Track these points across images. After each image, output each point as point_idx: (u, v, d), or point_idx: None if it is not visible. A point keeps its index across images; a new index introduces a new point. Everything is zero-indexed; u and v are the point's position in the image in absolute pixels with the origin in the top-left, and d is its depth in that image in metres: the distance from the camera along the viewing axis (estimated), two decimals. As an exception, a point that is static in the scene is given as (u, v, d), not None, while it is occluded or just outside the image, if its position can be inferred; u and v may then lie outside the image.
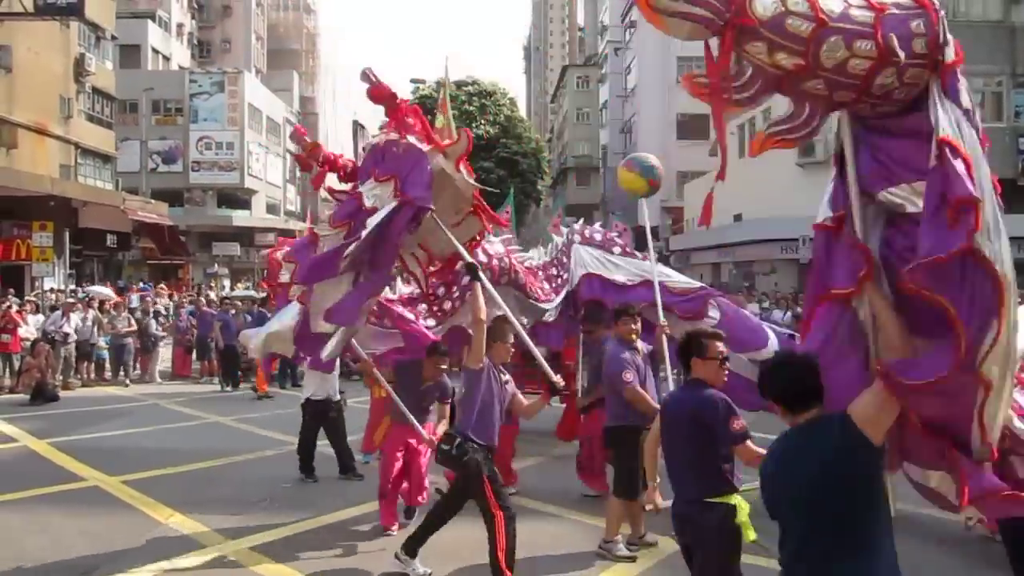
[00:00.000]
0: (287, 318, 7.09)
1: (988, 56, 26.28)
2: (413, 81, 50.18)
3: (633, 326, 6.66)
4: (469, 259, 6.18)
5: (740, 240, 31.72)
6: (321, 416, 8.93)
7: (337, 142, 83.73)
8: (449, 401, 7.03)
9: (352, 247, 5.51)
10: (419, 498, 7.14)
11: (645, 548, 6.54)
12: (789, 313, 20.18)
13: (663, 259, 41.62)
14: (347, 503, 7.97)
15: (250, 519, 7.46)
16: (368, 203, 5.68)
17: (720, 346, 4.28)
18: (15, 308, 16.50)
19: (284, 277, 6.91)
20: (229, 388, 16.76)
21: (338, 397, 9.12)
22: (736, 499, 4.09)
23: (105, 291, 23.38)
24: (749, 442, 4.12)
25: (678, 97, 46.83)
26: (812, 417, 3.08)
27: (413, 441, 7.02)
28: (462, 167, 6.10)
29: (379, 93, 6.01)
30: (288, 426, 10.06)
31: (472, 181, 6.26)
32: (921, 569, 5.63)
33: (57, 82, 28.58)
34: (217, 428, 12.56)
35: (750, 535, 4.10)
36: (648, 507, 4.88)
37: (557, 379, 5.90)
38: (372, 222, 5.49)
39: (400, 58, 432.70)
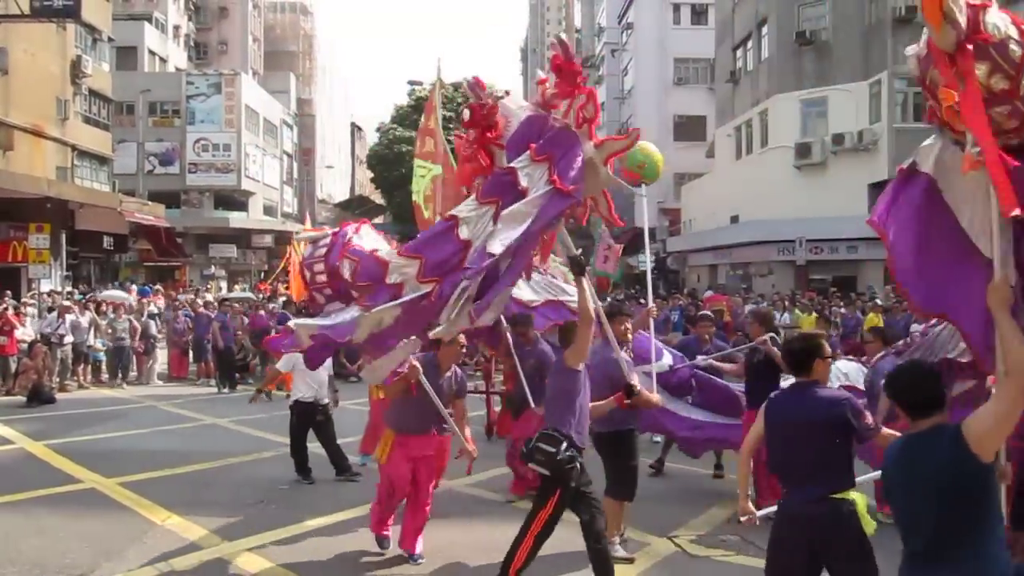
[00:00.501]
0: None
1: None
2: (410, 83, 50.29)
3: (627, 325, 6.72)
4: (575, 253, 5.74)
5: (737, 242, 31.75)
6: (308, 418, 8.90)
7: (335, 144, 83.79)
8: (465, 397, 6.99)
9: (518, 235, 5.07)
10: (416, 541, 6.51)
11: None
12: (787, 315, 20.22)
13: (660, 261, 41.73)
14: (343, 505, 7.96)
15: (247, 521, 7.46)
16: (523, 183, 5.17)
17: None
18: (11, 310, 16.48)
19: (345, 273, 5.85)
20: (226, 390, 16.75)
21: (326, 400, 9.08)
22: (855, 493, 4.13)
23: (120, 294, 23.43)
24: (884, 428, 4.42)
25: (675, 99, 46.92)
26: (932, 425, 3.27)
27: (428, 452, 6.48)
28: (608, 164, 5.65)
29: (567, 67, 5.71)
30: (285, 428, 10.01)
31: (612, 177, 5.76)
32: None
33: (53, 84, 28.56)
34: (214, 430, 12.56)
35: (871, 525, 4.12)
36: (744, 518, 4.65)
37: (634, 382, 5.86)
38: (541, 214, 5.15)
39: (397, 60, 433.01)
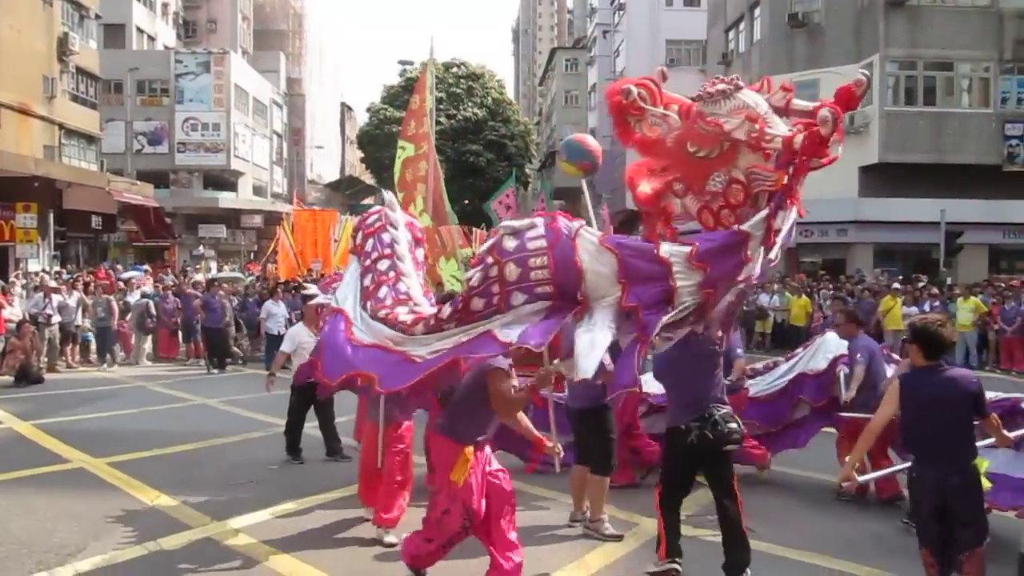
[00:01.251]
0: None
1: (976, 42, 26.36)
2: (401, 63, 50.14)
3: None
4: None
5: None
6: (309, 397, 8.71)
7: (325, 124, 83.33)
8: None
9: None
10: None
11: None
12: (776, 297, 20.32)
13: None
14: (333, 485, 7.98)
15: (236, 501, 7.46)
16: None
17: None
18: (-1, 290, 16.40)
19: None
20: (216, 371, 16.73)
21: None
22: (977, 459, 4.82)
23: (138, 273, 23.36)
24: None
25: (667, 81, 46.73)
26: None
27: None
28: None
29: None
30: (275, 408, 10.05)
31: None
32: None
33: (40, 61, 28.28)
34: (203, 410, 12.54)
35: (987, 485, 4.90)
36: (846, 484, 5.09)
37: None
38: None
39: (388, 39, 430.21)
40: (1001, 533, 5.97)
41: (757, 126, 4.56)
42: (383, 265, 6.14)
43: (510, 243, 4.88)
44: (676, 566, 5.65)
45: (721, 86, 4.88)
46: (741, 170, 4.66)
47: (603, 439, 6.58)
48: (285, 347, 9.11)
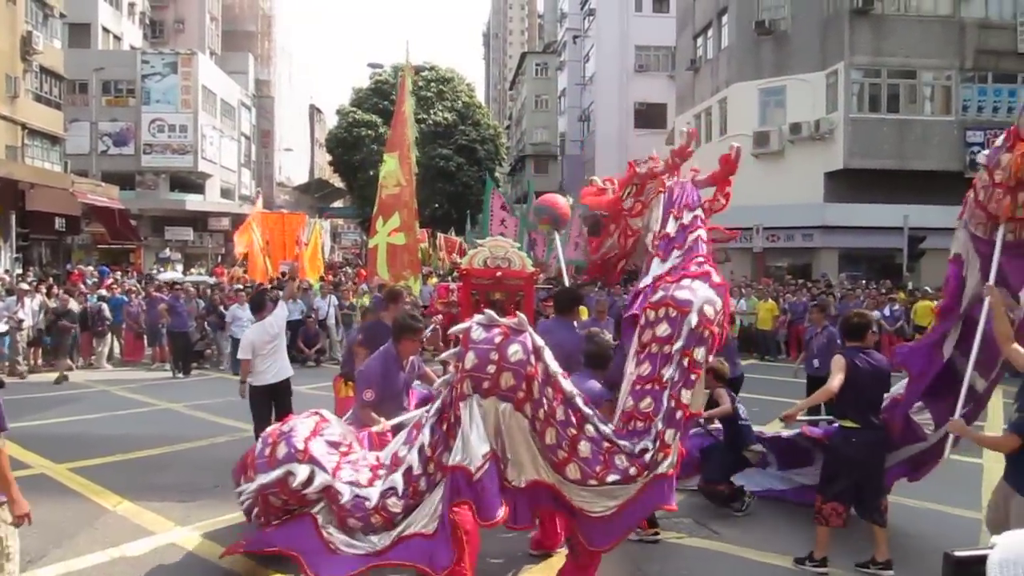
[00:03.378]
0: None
1: (937, 50, 26.84)
2: (371, 66, 49.92)
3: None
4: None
5: (696, 229, 31.97)
6: (269, 396, 8.50)
7: (294, 126, 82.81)
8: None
9: None
10: None
11: None
12: (743, 301, 20.49)
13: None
14: (300, 489, 7.90)
15: (201, 505, 7.41)
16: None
17: None
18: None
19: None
20: (180, 375, 16.55)
21: (289, 374, 8.78)
22: None
23: (174, 275, 22.96)
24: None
25: (636, 86, 47.15)
26: None
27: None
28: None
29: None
30: (241, 412, 9.93)
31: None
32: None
33: (3, 60, 27.83)
34: (168, 415, 12.41)
35: None
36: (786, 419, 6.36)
37: None
38: None
39: (358, 41, 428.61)
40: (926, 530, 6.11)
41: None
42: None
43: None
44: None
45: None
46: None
47: None
48: (244, 355, 8.60)
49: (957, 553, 3.02)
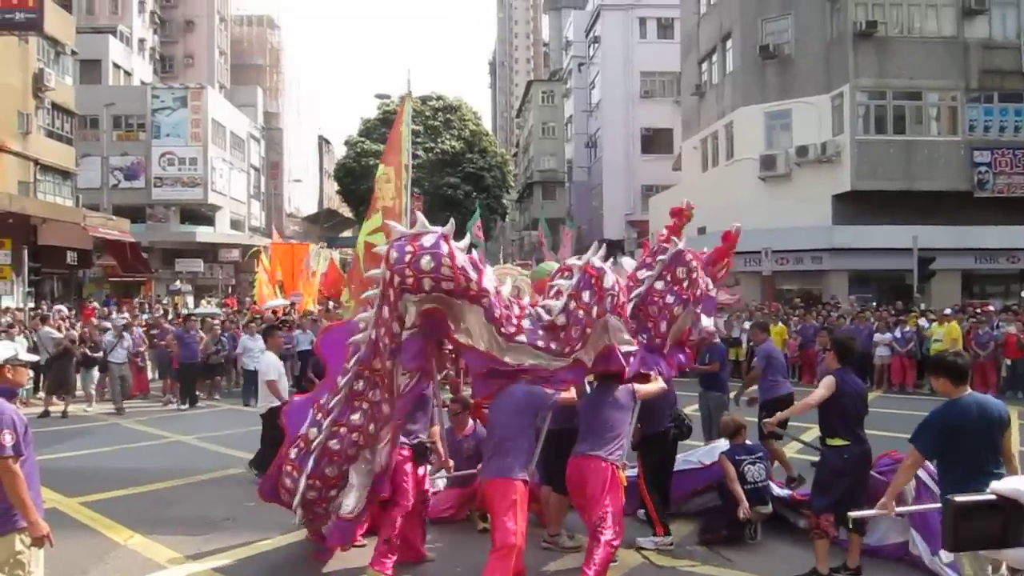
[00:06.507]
0: None
1: (942, 71, 26.90)
2: (378, 96, 50.17)
3: None
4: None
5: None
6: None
7: (303, 157, 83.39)
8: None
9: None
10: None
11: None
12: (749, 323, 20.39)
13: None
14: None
15: (212, 539, 7.38)
16: None
17: None
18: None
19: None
20: (186, 407, 16.51)
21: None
22: None
23: (212, 310, 23.05)
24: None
25: (642, 111, 47.36)
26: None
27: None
28: None
29: None
30: (254, 443, 9.94)
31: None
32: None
33: (15, 97, 28.19)
34: (179, 447, 12.40)
35: None
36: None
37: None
38: None
39: (365, 74, 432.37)
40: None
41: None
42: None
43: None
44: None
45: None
46: None
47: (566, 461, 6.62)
48: (272, 375, 9.20)
49: (958, 499, 3.09)
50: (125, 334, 16.61)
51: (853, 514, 5.53)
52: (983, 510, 3.07)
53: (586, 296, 5.90)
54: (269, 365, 9.44)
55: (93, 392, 17.11)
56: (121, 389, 16.22)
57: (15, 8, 23.60)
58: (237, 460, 10.80)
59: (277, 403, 8.85)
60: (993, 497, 3.14)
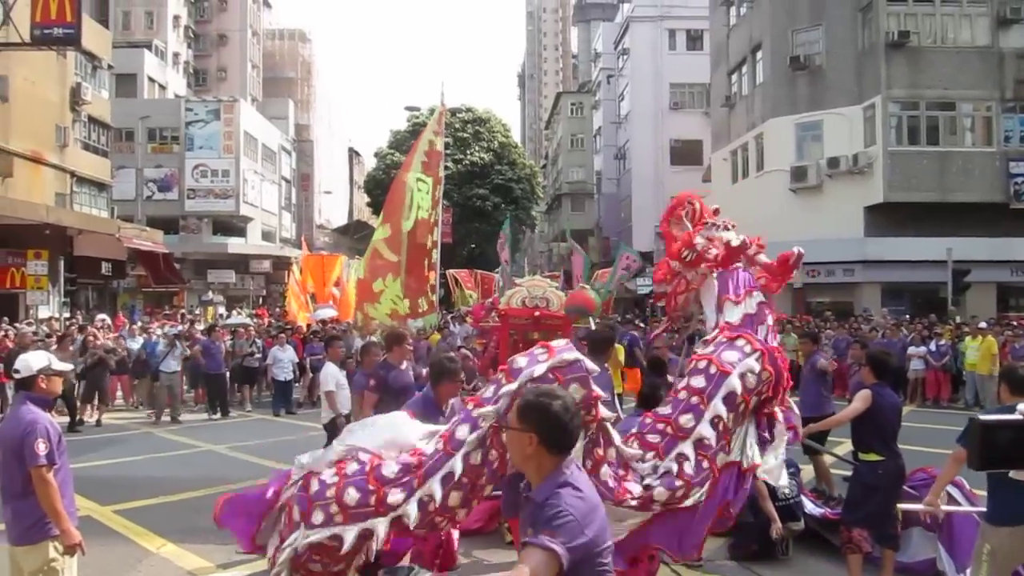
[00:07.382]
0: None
1: (977, 81, 26.57)
2: (408, 109, 50.49)
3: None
4: None
5: (734, 265, 31.75)
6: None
7: (333, 169, 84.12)
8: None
9: None
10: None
11: None
12: (783, 337, 20.18)
13: (658, 284, 41.72)
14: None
15: (243, 548, 7.40)
16: None
17: None
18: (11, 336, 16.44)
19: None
20: (217, 416, 16.67)
21: (347, 410, 9.13)
22: None
23: (242, 319, 23.27)
24: None
25: (671, 123, 47.23)
26: None
27: None
28: None
29: None
30: (284, 454, 10.00)
31: None
32: None
33: (53, 111, 28.71)
34: (211, 456, 12.51)
35: None
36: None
37: None
38: None
39: (395, 86, 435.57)
40: None
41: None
42: None
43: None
44: None
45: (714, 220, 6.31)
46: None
47: None
48: (330, 386, 9.40)
49: (983, 417, 3.16)
50: (177, 343, 16.73)
51: (902, 506, 5.62)
52: (1010, 429, 3.15)
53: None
54: (328, 375, 9.56)
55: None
56: (170, 399, 16.31)
57: (53, 24, 23.98)
58: (267, 470, 10.86)
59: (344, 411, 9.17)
60: (1020, 417, 3.24)
